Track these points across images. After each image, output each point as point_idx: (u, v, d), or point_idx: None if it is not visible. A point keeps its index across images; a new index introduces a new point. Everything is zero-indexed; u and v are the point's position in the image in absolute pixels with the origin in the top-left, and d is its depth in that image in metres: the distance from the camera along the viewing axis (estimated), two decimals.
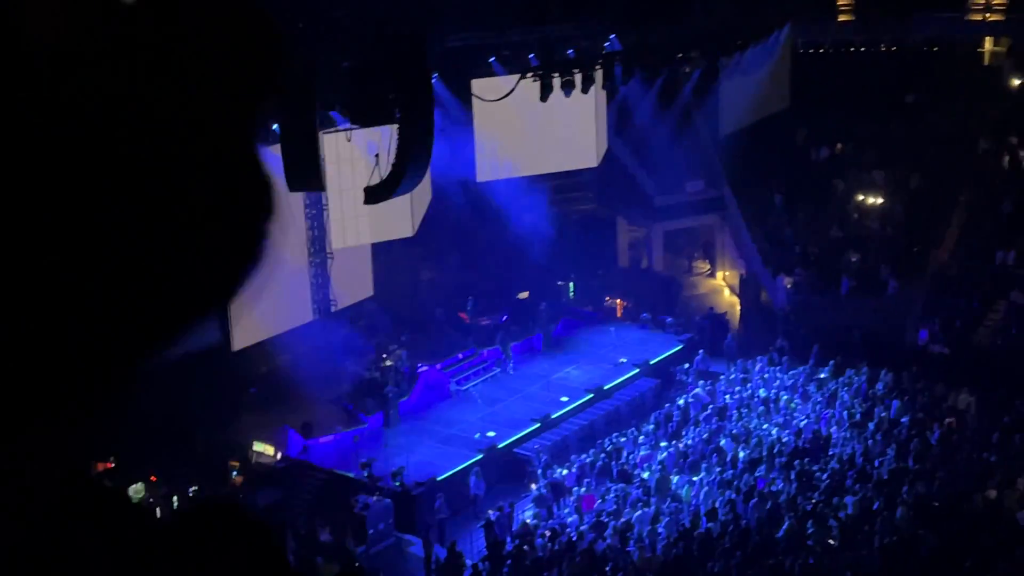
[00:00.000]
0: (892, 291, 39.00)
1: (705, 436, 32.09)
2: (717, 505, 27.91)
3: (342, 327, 36.26)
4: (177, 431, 31.83)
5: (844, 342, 37.01)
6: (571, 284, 44.13)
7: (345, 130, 31.09)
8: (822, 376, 35.09)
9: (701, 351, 37.66)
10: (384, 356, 37.11)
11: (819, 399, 33.80)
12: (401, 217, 36.29)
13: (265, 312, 33.60)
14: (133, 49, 1.20)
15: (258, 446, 33.18)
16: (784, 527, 26.32)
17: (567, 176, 43.97)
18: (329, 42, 32.39)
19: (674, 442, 32.05)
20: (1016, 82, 46.26)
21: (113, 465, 30.58)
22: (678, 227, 46.49)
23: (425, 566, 28.53)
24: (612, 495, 29.52)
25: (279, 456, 32.95)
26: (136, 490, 30.44)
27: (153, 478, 31.22)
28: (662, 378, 37.16)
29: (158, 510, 29.34)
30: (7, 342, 1.21)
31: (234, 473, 32.60)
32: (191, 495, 31.10)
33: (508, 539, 28.19)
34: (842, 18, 48.82)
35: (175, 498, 30.86)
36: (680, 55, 37.31)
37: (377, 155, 27.36)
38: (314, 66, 28.22)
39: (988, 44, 48.67)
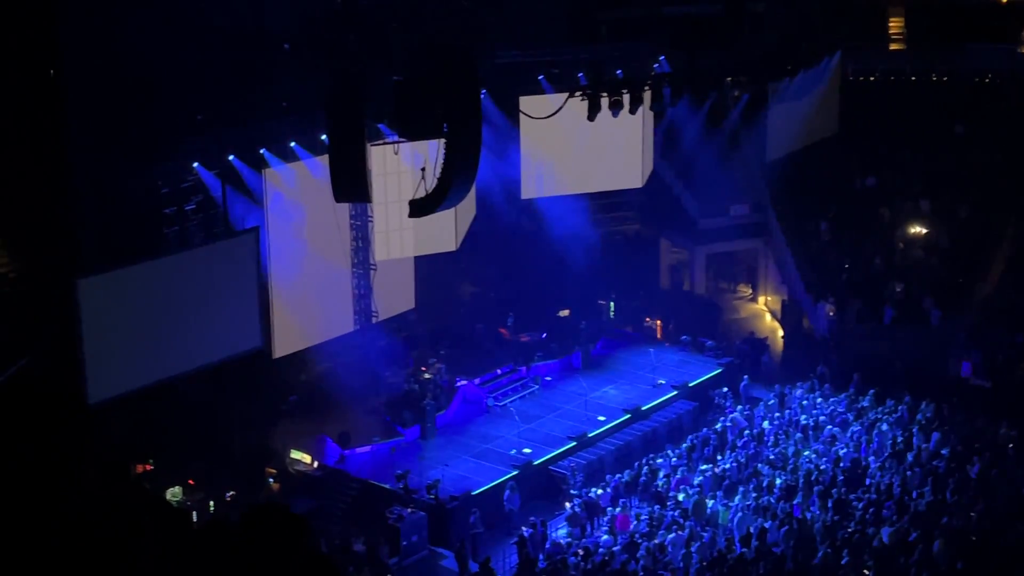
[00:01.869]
0: (935, 322, 38.72)
1: (742, 461, 31.97)
2: (752, 531, 27.80)
3: (383, 338, 36.42)
4: (216, 436, 32.07)
5: (885, 371, 36.81)
6: (611, 304, 44.10)
7: (393, 143, 31.24)
8: (862, 405, 34.87)
9: (746, 377, 37.50)
10: (423, 369, 37.21)
11: (858, 428, 33.60)
12: (445, 231, 36.45)
13: (306, 320, 33.87)
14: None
15: (295, 454, 33.34)
16: (819, 555, 26.18)
17: (611, 196, 44.02)
18: (379, 55, 32.63)
19: (711, 466, 31.94)
20: None
21: (152, 467, 30.83)
22: (721, 250, 46.36)
23: None
24: (646, 516, 29.45)
25: (316, 465, 33.09)
26: (173, 493, 30.66)
27: (191, 482, 31.43)
28: (700, 401, 37.04)
29: (194, 514, 29.59)
30: None
31: (270, 480, 32.76)
32: (228, 500, 31.29)
33: (540, 556, 28.18)
34: (893, 46, 48.61)
35: (212, 503, 31.05)
36: (729, 79, 37.27)
37: (423, 168, 27.45)
38: (364, 78, 28.42)
39: None
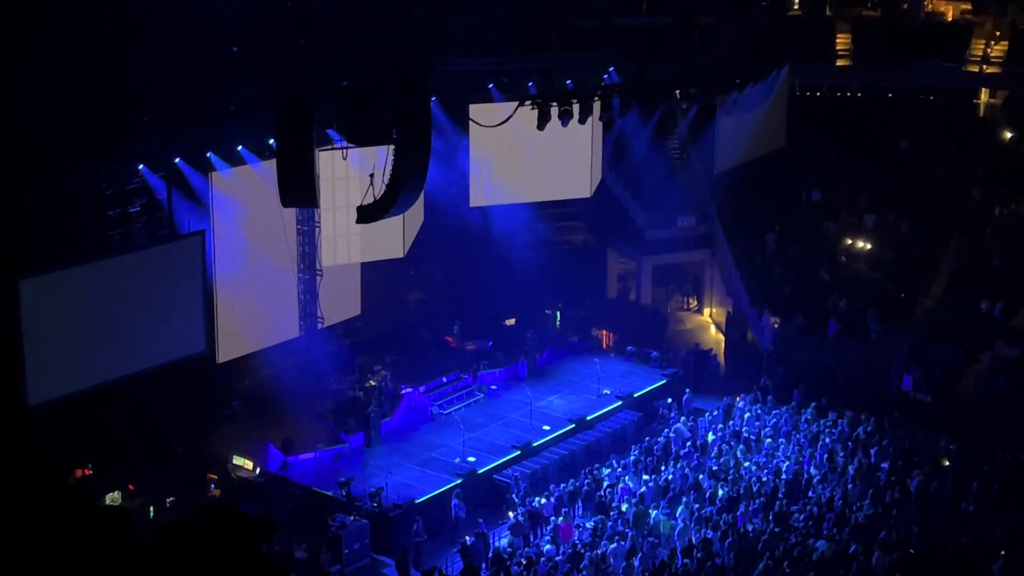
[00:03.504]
0: (875, 335, 39.07)
1: (685, 472, 32.08)
2: (694, 542, 27.89)
3: (328, 344, 36.24)
4: (157, 441, 31.77)
5: (828, 384, 37.09)
6: (558, 313, 44.16)
7: (341, 148, 31.14)
8: (805, 417, 35.10)
9: (688, 390, 37.64)
10: (368, 376, 37.07)
11: (801, 440, 33.82)
12: (393, 238, 36.35)
13: (251, 325, 33.65)
14: None
15: (237, 460, 33.09)
16: (760, 567, 26.31)
17: (560, 205, 44.11)
18: (330, 60, 32.53)
19: (654, 476, 32.04)
20: (1009, 135, 46.51)
21: (91, 472, 30.48)
22: (668, 262, 46.55)
23: None
24: (589, 526, 29.47)
25: (258, 471, 32.86)
26: (112, 498, 30.35)
27: (131, 487, 31.12)
28: (645, 411, 37.15)
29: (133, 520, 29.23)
30: None
31: (212, 486, 32.51)
32: (168, 505, 31.01)
33: (484, 565, 28.13)
34: (840, 62, 49.09)
35: (152, 508, 30.76)
36: (678, 91, 37.47)
37: (372, 175, 27.38)
38: (314, 83, 28.32)
39: (984, 96, 48.97)
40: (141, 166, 31.51)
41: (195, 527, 4.14)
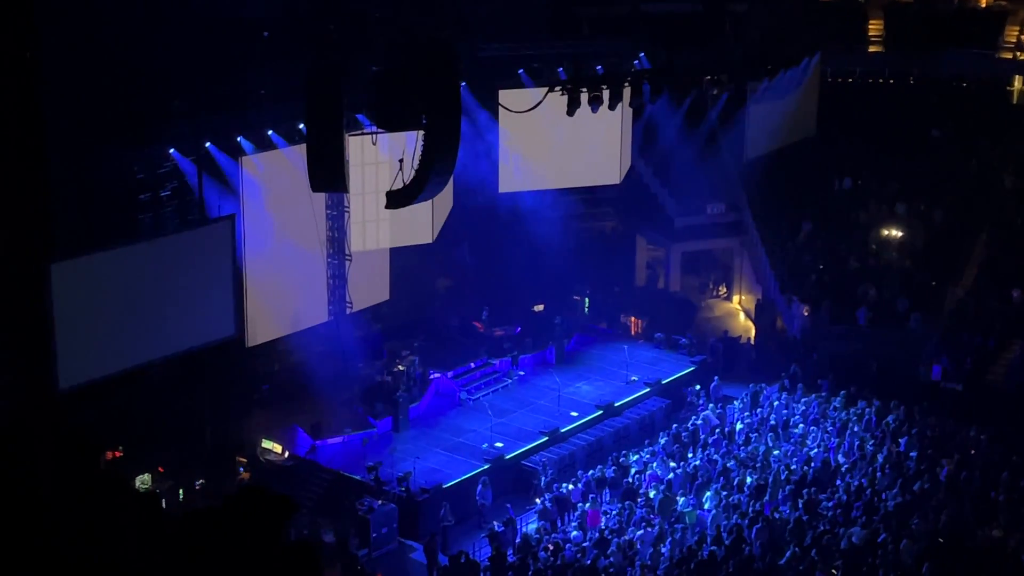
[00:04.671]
0: (914, 324, 38.84)
1: (713, 459, 32.03)
2: (722, 529, 27.86)
3: (357, 329, 36.33)
4: (187, 424, 31.94)
5: (857, 373, 36.93)
6: (586, 299, 44.10)
7: (371, 133, 31.17)
8: (834, 405, 34.98)
9: (716, 378, 37.51)
10: (396, 361, 37.13)
11: (830, 428, 33.71)
12: (422, 223, 36.37)
13: (280, 310, 33.78)
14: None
15: (266, 443, 33.24)
16: (787, 555, 26.26)
17: (589, 192, 44.05)
18: (360, 45, 32.56)
19: (682, 463, 32.00)
20: None
21: (121, 454, 30.67)
22: (697, 248, 46.43)
23: (428, 573, 28.56)
24: (616, 513, 29.48)
25: (287, 455, 33.00)
26: (143, 481, 30.54)
27: (161, 469, 31.30)
28: (673, 399, 37.09)
29: (164, 501, 29.46)
30: None
31: (241, 469, 32.66)
32: (197, 488, 31.18)
33: (510, 551, 28.18)
34: (872, 49, 48.78)
35: (181, 491, 30.93)
36: (709, 77, 37.29)
37: (401, 160, 27.39)
38: (344, 68, 28.35)
39: (1017, 83, 48.57)
40: (172, 150, 31.65)
41: (221, 510, 4.16)
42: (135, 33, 29.54)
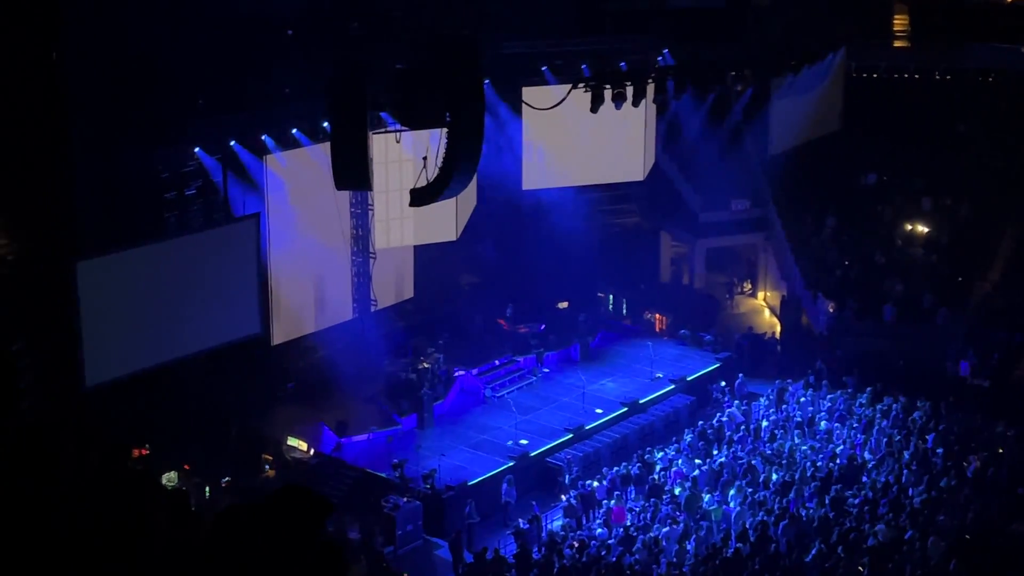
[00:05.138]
0: (940, 320, 38.67)
1: (739, 456, 31.97)
2: (748, 526, 27.80)
3: (381, 327, 36.38)
4: (213, 422, 32.05)
5: (883, 369, 36.79)
6: (611, 296, 44.04)
7: (394, 131, 31.20)
8: (860, 402, 34.86)
9: (741, 375, 37.39)
10: (421, 358, 37.19)
11: (855, 425, 33.60)
12: (445, 221, 36.42)
13: (305, 307, 33.87)
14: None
15: (292, 441, 33.32)
16: (813, 552, 26.18)
17: (613, 188, 44.00)
18: (383, 42, 32.60)
19: (707, 460, 31.94)
20: None
21: (148, 452, 30.81)
22: (721, 245, 46.32)
23: (453, 570, 28.57)
24: (642, 510, 29.45)
25: (312, 452, 33.07)
26: (169, 478, 30.65)
27: (187, 467, 31.41)
28: (698, 395, 37.02)
29: (190, 499, 29.52)
30: None
31: (266, 466, 32.75)
32: (223, 486, 31.27)
33: (536, 548, 28.17)
34: (897, 44, 48.54)
35: (207, 488, 31.04)
36: (733, 73, 37.20)
37: (425, 158, 27.41)
38: (367, 66, 28.37)
39: None
40: (197, 149, 31.76)
41: (256, 508, 4.17)
42: (159, 33, 29.64)
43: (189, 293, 30.04)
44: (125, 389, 28.94)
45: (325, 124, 32.27)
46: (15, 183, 27.76)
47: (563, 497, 30.97)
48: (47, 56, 28.23)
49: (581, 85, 32.79)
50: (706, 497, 29.86)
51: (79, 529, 4.42)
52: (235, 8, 32.22)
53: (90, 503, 4.54)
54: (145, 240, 29.91)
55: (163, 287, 29.58)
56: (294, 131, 33.45)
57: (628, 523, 28.91)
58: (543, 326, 40.35)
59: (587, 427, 34.47)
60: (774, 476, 30.59)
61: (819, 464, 31.17)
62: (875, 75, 48.55)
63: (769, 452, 32.22)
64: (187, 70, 30.61)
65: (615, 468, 32.02)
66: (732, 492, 29.93)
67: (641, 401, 36.19)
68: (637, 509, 29.65)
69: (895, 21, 48.69)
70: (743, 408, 35.29)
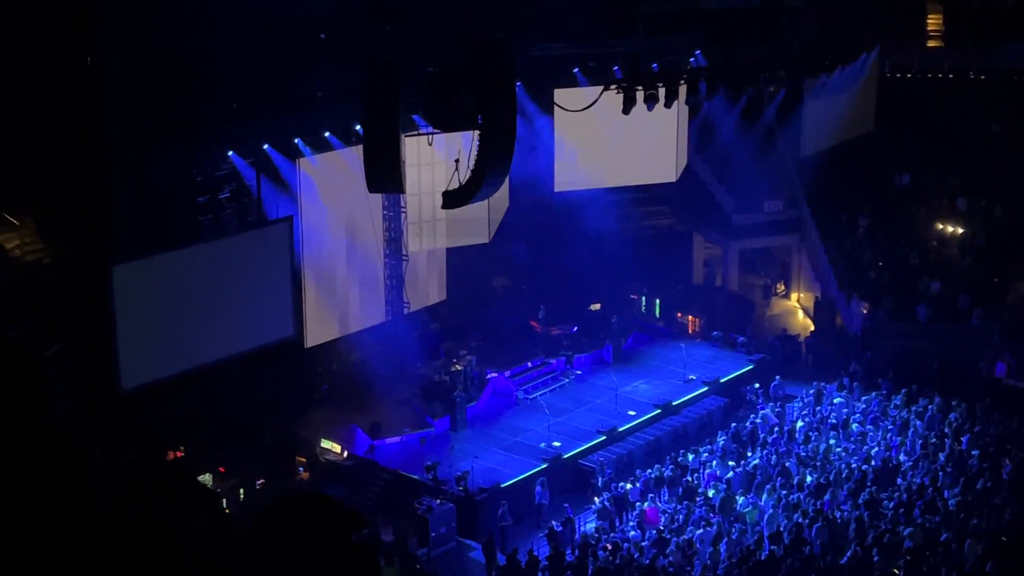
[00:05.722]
0: (976, 321, 38.41)
1: (773, 458, 31.86)
2: (782, 528, 27.70)
3: (414, 329, 36.45)
4: (247, 424, 32.20)
5: (918, 370, 36.59)
6: (643, 298, 43.96)
7: (427, 134, 31.25)
8: (894, 403, 34.68)
9: (778, 377, 37.24)
10: (454, 360, 37.22)
11: (890, 426, 33.43)
12: (478, 223, 36.45)
13: (339, 310, 33.98)
14: None
15: (326, 443, 33.43)
16: (848, 554, 26.07)
17: (645, 190, 43.92)
18: (415, 46, 32.65)
19: (741, 462, 31.84)
20: None
21: (183, 454, 30.96)
22: (754, 246, 46.16)
23: (486, 572, 28.60)
24: (675, 512, 29.38)
25: (346, 454, 33.18)
26: (204, 481, 30.78)
27: (222, 469, 31.56)
28: (731, 397, 36.91)
29: (224, 501, 29.70)
30: None
31: (301, 469, 32.87)
32: (258, 488, 31.40)
33: (568, 550, 28.17)
34: (931, 44, 48.27)
35: (242, 490, 31.17)
36: (765, 74, 37.06)
37: (457, 160, 27.46)
38: (399, 69, 28.45)
39: None
40: (230, 152, 31.92)
41: (287, 513, 4.19)
42: (193, 37, 29.79)
43: (223, 296, 30.19)
44: (160, 392, 29.11)
45: (357, 127, 32.37)
46: (51, 188, 28.00)
47: (596, 499, 30.95)
48: (82, 61, 28.46)
49: (613, 87, 32.78)
50: (740, 499, 29.77)
51: (115, 531, 4.47)
52: (268, 12, 32.36)
53: (126, 504, 4.58)
54: (179, 244, 30.09)
55: (197, 290, 29.74)
56: (327, 134, 33.57)
57: (661, 525, 28.85)
58: (575, 328, 40.32)
59: (620, 429, 34.43)
60: (808, 478, 30.47)
61: (853, 466, 31.02)
62: (909, 75, 48.30)
63: (804, 454, 32.09)
64: (220, 74, 30.76)
65: (648, 470, 31.97)
66: (765, 494, 29.84)
67: (674, 403, 36.12)
68: (670, 511, 29.59)
69: (929, 21, 48.40)
70: (776, 410, 35.16)
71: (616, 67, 38.80)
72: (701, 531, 27.93)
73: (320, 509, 4.14)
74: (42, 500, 4.60)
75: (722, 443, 33.20)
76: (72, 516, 4.52)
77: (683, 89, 34.36)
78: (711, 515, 28.99)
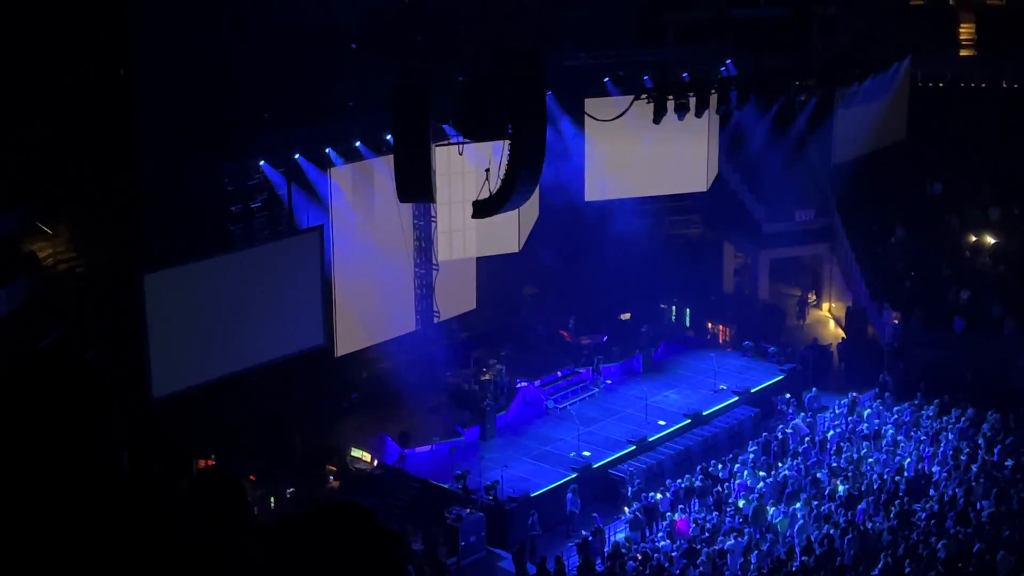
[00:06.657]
0: (1009, 330, 38.15)
1: (803, 468, 31.72)
2: (813, 539, 27.56)
3: (444, 338, 36.48)
4: (277, 433, 32.29)
5: (951, 380, 36.38)
6: (673, 307, 43.85)
7: (457, 143, 31.32)
8: (927, 414, 34.48)
9: (814, 388, 37.06)
10: (484, 370, 37.22)
11: (923, 437, 33.24)
12: (508, 232, 36.46)
13: (369, 319, 34.03)
14: None
15: (356, 452, 33.49)
16: (880, 565, 25.92)
17: (676, 199, 43.82)
18: (446, 55, 32.75)
19: (772, 472, 31.72)
20: None
21: (214, 462, 31.08)
22: (785, 255, 45.98)
23: None
24: (706, 522, 29.29)
25: (376, 463, 33.23)
26: None
27: (252, 477, 31.63)
28: (762, 407, 36.77)
29: (255, 509, 29.75)
30: None
31: (331, 477, 32.92)
32: (288, 496, 31.47)
33: (599, 560, 28.11)
34: (964, 52, 48.06)
35: (272, 499, 31.24)
36: (797, 83, 36.98)
37: (487, 169, 27.51)
38: (430, 79, 28.54)
39: None
40: (262, 162, 32.05)
41: (318, 524, 4.20)
42: (225, 48, 29.96)
43: (254, 305, 30.31)
44: (191, 400, 29.22)
45: (388, 136, 32.45)
46: (84, 197, 28.20)
47: (626, 509, 30.87)
48: (115, 72, 28.66)
49: (643, 96, 32.79)
50: (771, 510, 29.65)
51: (149, 537, 4.50)
52: (299, 22, 32.51)
53: (162, 510, 4.62)
54: (211, 252, 30.24)
55: (228, 299, 29.87)
56: (357, 144, 33.66)
57: (691, 535, 28.76)
58: (605, 337, 40.26)
59: (650, 439, 34.35)
60: (840, 488, 30.32)
61: (886, 476, 30.86)
62: (941, 84, 48.10)
63: (835, 464, 31.94)
64: (252, 84, 30.93)
65: (678, 480, 31.88)
66: (798, 505, 29.71)
67: (704, 413, 36.02)
68: (701, 521, 29.49)
69: (961, 30, 48.21)
70: (808, 420, 35.01)
71: (646, 76, 38.79)
72: (732, 541, 27.83)
73: (356, 522, 4.15)
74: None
75: (753, 453, 33.07)
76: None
77: (714, 98, 34.38)
78: (742, 526, 28.86)
